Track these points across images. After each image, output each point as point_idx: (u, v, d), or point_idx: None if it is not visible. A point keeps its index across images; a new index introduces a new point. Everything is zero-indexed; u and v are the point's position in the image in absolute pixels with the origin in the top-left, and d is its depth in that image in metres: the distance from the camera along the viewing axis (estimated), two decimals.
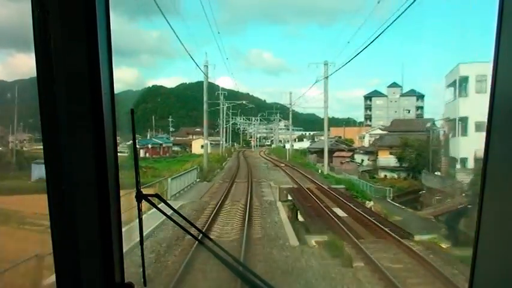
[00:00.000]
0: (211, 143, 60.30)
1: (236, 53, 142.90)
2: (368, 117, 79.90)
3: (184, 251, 10.38)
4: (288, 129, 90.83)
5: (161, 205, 1.57)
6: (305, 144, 70.12)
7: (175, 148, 67.56)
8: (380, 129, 53.36)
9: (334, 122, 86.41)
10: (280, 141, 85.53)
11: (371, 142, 50.02)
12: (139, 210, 1.42)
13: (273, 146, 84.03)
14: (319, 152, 48.19)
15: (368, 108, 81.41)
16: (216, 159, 43.22)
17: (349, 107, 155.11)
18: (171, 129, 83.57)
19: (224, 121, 59.91)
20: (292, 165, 39.43)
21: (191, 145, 65.88)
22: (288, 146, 54.45)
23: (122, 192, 1.38)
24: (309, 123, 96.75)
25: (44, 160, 1.28)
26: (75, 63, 1.25)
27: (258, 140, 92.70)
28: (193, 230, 1.68)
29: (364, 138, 57.06)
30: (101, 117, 1.27)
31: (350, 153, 47.27)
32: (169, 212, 1.66)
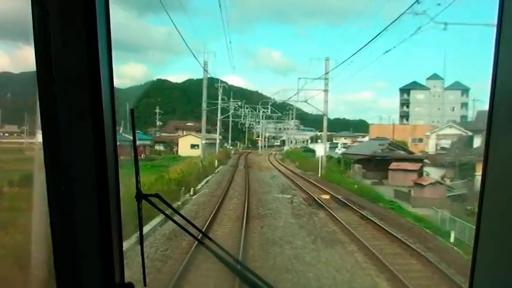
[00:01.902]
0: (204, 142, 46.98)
1: (245, 52, 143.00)
2: (405, 115, 71.68)
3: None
4: (300, 129, 78.64)
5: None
6: (319, 146, 58.22)
7: (159, 147, 57.09)
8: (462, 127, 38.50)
9: (344, 124, 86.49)
10: (293, 141, 74.64)
11: (439, 147, 37.74)
12: (139, 210, 1.48)
13: (287, 148, 71.29)
14: (365, 162, 33.49)
15: (405, 104, 73.19)
16: (176, 179, 21.03)
17: (357, 109, 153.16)
18: (158, 123, 75.64)
19: (219, 110, 46.95)
20: (347, 199, 19.64)
21: (178, 144, 54.47)
22: (320, 151, 34.37)
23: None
24: (318, 123, 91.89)
25: (44, 160, 1.34)
26: (75, 63, 1.30)
27: (266, 139, 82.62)
28: (193, 230, 1.73)
29: (421, 141, 45.22)
30: (101, 117, 1.33)
31: (418, 165, 29.99)
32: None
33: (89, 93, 1.31)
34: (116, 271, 1.43)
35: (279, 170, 35.56)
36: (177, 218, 1.70)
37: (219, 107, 46.50)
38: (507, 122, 1.08)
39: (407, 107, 71.61)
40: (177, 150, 52.23)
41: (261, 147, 73.95)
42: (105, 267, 1.40)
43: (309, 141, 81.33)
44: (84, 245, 1.37)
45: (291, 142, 73.04)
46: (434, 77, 71.69)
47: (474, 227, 1.25)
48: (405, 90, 72.94)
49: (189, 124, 72.35)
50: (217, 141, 47.77)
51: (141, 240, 1.58)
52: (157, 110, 77.25)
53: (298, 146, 70.72)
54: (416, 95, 71.00)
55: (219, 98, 46.60)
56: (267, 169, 36.68)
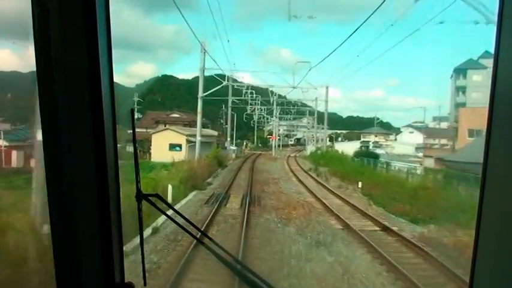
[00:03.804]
0: (191, 142, 35.63)
1: (253, 50, 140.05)
2: (461, 104, 58.74)
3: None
4: (313, 127, 64.73)
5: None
6: (347, 145, 51.92)
7: (129, 149, 35.29)
8: None
9: (359, 122, 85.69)
10: (318, 140, 60.59)
11: None
12: (140, 210, 1.53)
13: (311, 148, 58.26)
14: None
15: (461, 89, 60.16)
16: None
17: (368, 107, 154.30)
18: (137, 116, 57.35)
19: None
20: None
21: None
22: None
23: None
24: (331, 122, 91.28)
25: (44, 160, 1.38)
26: (75, 62, 1.34)
27: (279, 138, 69.79)
28: (193, 230, 1.80)
29: None
30: (101, 117, 1.37)
31: None
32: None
33: (89, 92, 1.33)
34: (116, 271, 1.45)
35: (345, 224, 13.51)
36: (178, 218, 1.75)
37: (202, 75, 25.79)
38: (507, 122, 1.10)
39: (464, 93, 59.63)
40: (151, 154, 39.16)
41: (275, 147, 59.11)
42: (105, 267, 1.43)
43: (327, 139, 73.08)
44: (84, 245, 1.40)
45: (316, 141, 59.27)
46: (487, 55, 59.34)
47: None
48: (461, 70, 60.09)
49: (174, 115, 53.05)
50: (198, 138, 27.78)
51: (141, 240, 1.62)
52: (135, 99, 58.09)
53: (320, 146, 58.78)
54: (473, 76, 59.27)
55: (203, 63, 25.88)
56: (307, 219, 14.30)
